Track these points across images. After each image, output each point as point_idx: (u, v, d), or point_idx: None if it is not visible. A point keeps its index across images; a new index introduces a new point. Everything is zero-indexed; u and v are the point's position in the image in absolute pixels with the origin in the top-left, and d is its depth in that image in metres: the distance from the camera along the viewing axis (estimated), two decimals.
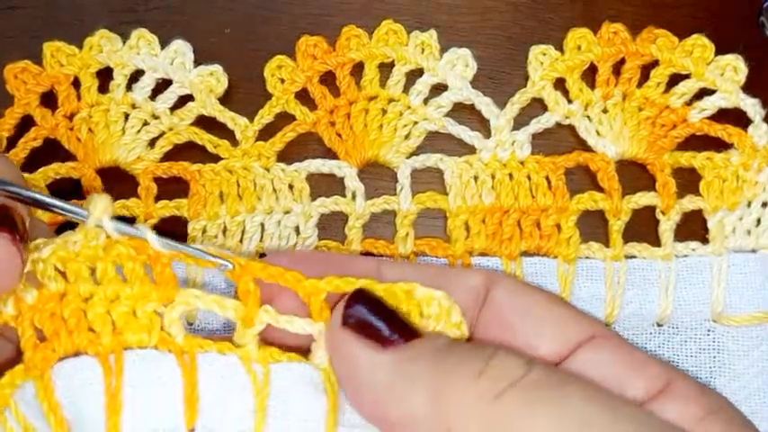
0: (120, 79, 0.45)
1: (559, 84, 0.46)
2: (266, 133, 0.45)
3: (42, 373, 0.33)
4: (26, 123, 0.45)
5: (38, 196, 0.34)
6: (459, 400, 0.32)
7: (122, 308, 0.34)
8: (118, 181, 0.45)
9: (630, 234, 0.45)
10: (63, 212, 0.35)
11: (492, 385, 0.31)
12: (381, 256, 0.44)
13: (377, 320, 0.35)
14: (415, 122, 0.46)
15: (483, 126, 0.46)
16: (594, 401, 0.31)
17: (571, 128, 0.46)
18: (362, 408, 0.35)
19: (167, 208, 0.44)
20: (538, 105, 0.46)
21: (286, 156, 0.45)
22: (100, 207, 0.35)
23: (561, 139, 0.46)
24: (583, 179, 0.46)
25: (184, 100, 0.45)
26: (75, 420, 0.33)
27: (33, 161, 0.44)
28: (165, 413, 0.34)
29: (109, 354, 0.33)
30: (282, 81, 0.46)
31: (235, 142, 0.45)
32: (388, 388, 0.34)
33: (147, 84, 0.45)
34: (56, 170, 0.44)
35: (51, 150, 0.45)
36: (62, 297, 0.34)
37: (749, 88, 0.45)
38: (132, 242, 0.35)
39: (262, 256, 0.40)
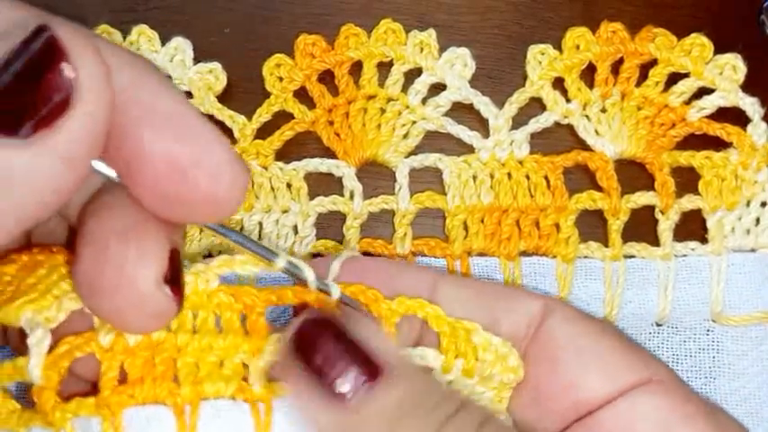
0: None
1: (558, 83, 0.46)
2: (264, 132, 0.45)
3: (115, 415, 0.31)
4: None
5: (239, 239, 0.33)
6: None
7: (211, 358, 0.33)
8: None
9: (629, 233, 0.45)
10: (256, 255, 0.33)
11: None
12: (380, 255, 0.44)
13: (333, 358, 0.30)
14: (414, 122, 0.46)
15: (482, 125, 0.46)
16: None
17: (570, 127, 0.46)
18: None
19: None
20: (536, 105, 0.46)
21: (284, 154, 0.45)
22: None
23: (560, 139, 0.46)
24: (581, 178, 0.46)
25: None
26: None
27: None
28: None
29: (185, 404, 0.32)
30: (281, 80, 0.46)
31: (233, 140, 0.45)
32: None
33: None
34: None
35: None
36: (158, 344, 0.32)
37: (748, 87, 0.45)
38: (231, 289, 0.33)
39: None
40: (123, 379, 0.32)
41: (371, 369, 0.30)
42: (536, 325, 0.36)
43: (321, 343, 0.30)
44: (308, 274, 0.33)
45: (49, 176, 0.25)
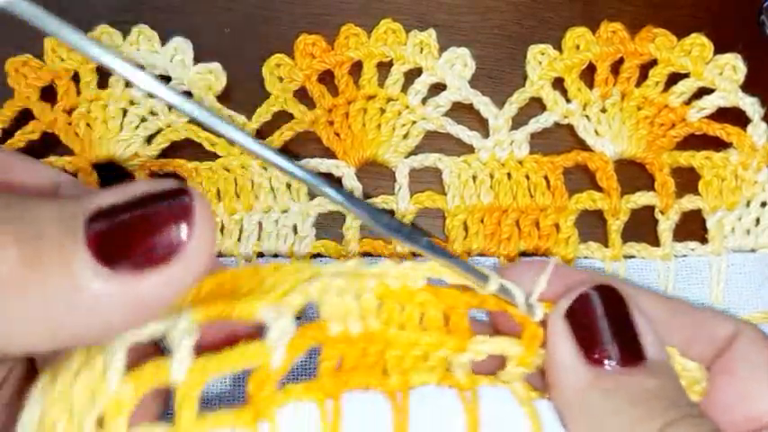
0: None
1: (558, 83, 0.46)
2: (264, 132, 0.45)
3: (335, 399, 0.33)
4: (26, 118, 0.45)
5: (455, 262, 0.34)
6: None
7: (416, 352, 0.35)
8: (114, 176, 0.44)
9: (629, 234, 0.45)
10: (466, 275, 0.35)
11: None
12: (379, 256, 0.44)
13: (604, 327, 0.34)
14: (414, 122, 0.46)
15: (481, 125, 0.46)
16: None
17: (570, 127, 0.46)
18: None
19: None
20: (536, 105, 0.46)
21: (284, 154, 0.45)
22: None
23: (560, 139, 0.46)
24: (581, 179, 0.46)
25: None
26: None
27: (31, 154, 0.44)
28: None
29: (396, 392, 0.34)
30: (281, 80, 0.46)
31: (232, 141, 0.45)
32: (565, 401, 0.34)
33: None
34: (52, 164, 0.44)
35: (49, 144, 0.45)
36: (373, 337, 0.34)
37: (748, 87, 0.45)
38: (434, 290, 0.35)
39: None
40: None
41: (634, 353, 0.33)
42: (724, 346, 0.36)
43: (598, 314, 0.34)
44: (519, 297, 0.35)
45: (114, 313, 0.26)
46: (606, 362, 0.33)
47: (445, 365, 0.35)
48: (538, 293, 0.36)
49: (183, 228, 0.26)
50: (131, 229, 0.26)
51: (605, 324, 0.34)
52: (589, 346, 0.33)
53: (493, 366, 0.36)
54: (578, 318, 0.34)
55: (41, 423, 0.28)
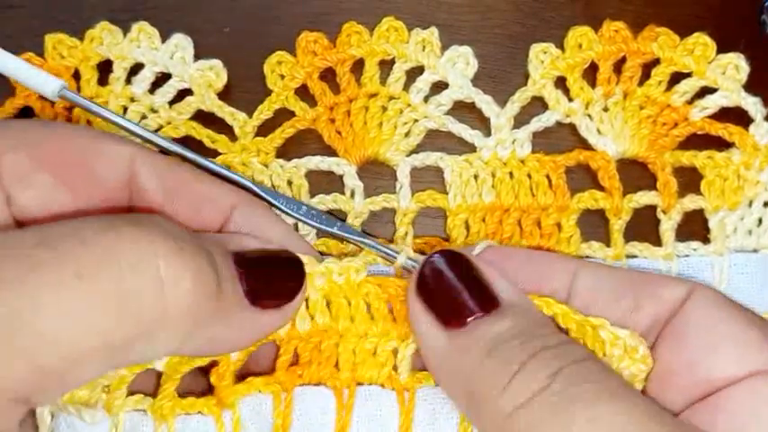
0: (119, 72, 0.45)
1: (560, 82, 0.46)
2: (265, 129, 0.45)
3: (287, 392, 0.37)
4: (27, 115, 0.45)
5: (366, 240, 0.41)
6: (484, 410, 0.33)
7: (367, 345, 0.38)
8: None
9: (631, 233, 0.45)
10: (379, 253, 0.41)
11: (509, 401, 0.31)
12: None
13: (453, 288, 0.36)
14: (416, 120, 0.46)
15: (483, 124, 0.46)
16: (599, 424, 0.30)
17: (572, 126, 0.46)
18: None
19: None
20: (538, 104, 0.46)
21: (285, 152, 0.45)
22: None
23: (562, 138, 0.46)
24: (583, 178, 0.45)
25: (183, 94, 0.45)
26: None
27: None
28: None
29: (344, 388, 0.38)
30: (282, 77, 0.46)
31: (233, 138, 0.45)
32: (437, 373, 0.36)
33: (146, 77, 0.45)
34: None
35: None
36: (324, 331, 0.38)
37: (751, 87, 0.45)
38: (376, 279, 0.39)
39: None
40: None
41: (488, 302, 0.35)
42: (677, 307, 0.36)
43: (447, 276, 0.36)
44: None
45: (247, 335, 0.36)
46: (466, 320, 0.34)
47: (393, 362, 0.38)
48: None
49: (297, 284, 0.37)
50: (272, 277, 0.36)
51: (452, 284, 0.36)
52: (443, 311, 0.35)
53: None
54: (428, 287, 0.36)
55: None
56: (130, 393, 0.37)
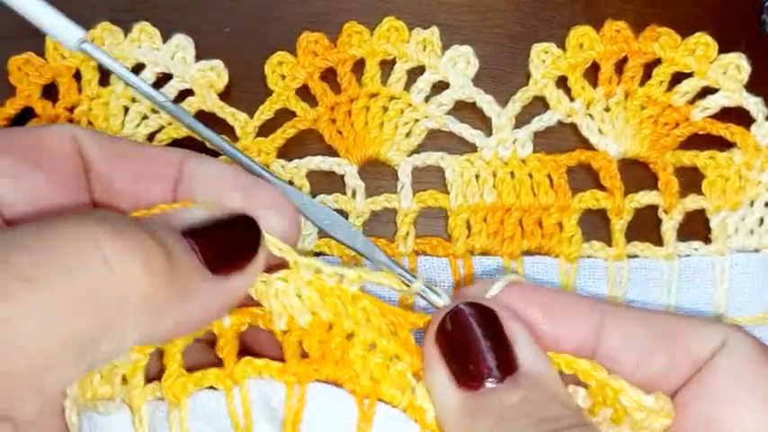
0: None
1: (561, 82, 0.46)
2: (266, 130, 0.45)
3: (302, 385, 0.35)
4: (28, 116, 0.45)
5: (384, 259, 0.38)
6: None
7: (378, 359, 0.35)
8: None
9: (633, 233, 0.45)
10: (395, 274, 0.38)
11: None
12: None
13: (474, 344, 0.34)
14: (417, 120, 0.46)
15: (484, 124, 0.46)
16: None
17: (573, 126, 0.46)
18: None
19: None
20: (540, 103, 0.46)
21: (286, 152, 0.45)
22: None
23: (563, 138, 0.46)
24: (585, 178, 0.45)
25: (184, 95, 0.45)
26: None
27: None
28: None
29: (365, 397, 0.35)
30: (283, 77, 0.45)
31: (234, 138, 0.45)
32: (448, 423, 0.34)
33: (147, 78, 0.45)
34: None
35: None
36: (329, 328, 0.36)
37: (752, 87, 0.45)
38: (376, 302, 0.37)
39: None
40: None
41: (506, 366, 0.33)
42: (711, 356, 0.35)
43: (471, 330, 0.34)
44: (440, 303, 0.37)
45: (213, 306, 0.35)
46: (482, 384, 0.33)
47: (409, 386, 0.35)
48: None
49: (254, 242, 0.35)
50: (226, 241, 0.35)
51: (476, 342, 0.34)
52: (459, 369, 0.34)
53: None
54: (449, 337, 0.34)
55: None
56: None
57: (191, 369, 0.35)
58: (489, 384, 0.33)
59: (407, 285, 0.38)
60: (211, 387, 0.35)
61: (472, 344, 0.34)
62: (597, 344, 0.36)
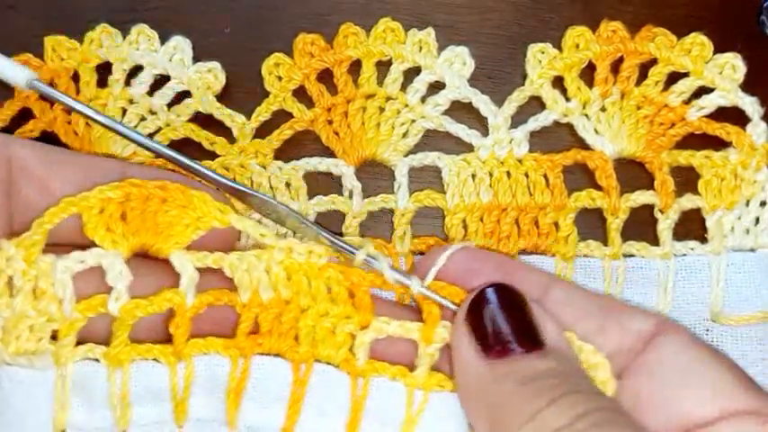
0: (118, 74, 0.45)
1: (558, 82, 0.46)
2: (263, 131, 0.46)
3: (245, 358, 0.38)
4: (26, 117, 0.45)
5: (325, 233, 0.39)
6: None
7: (326, 324, 0.38)
8: None
9: (629, 232, 0.45)
10: (339, 248, 0.39)
11: None
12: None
13: (501, 322, 0.36)
14: (413, 120, 0.46)
15: (481, 124, 0.46)
16: None
17: (569, 126, 0.46)
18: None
19: None
20: (536, 103, 0.46)
21: (283, 153, 0.45)
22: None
23: (559, 138, 0.46)
24: (581, 177, 0.46)
25: (182, 96, 0.46)
26: (247, 403, 0.38)
27: None
28: (330, 429, 0.38)
29: (301, 363, 0.38)
30: (280, 79, 0.46)
31: (232, 139, 0.45)
32: (467, 398, 0.36)
33: (145, 79, 0.45)
34: None
35: (49, 143, 0.44)
36: (287, 303, 0.39)
37: (748, 86, 0.45)
38: (339, 266, 0.39)
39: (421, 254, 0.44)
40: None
41: (533, 344, 0.35)
42: (645, 341, 0.36)
43: (499, 310, 0.36)
44: (385, 268, 0.38)
45: None
46: (509, 354, 0.35)
47: (350, 343, 0.38)
48: (434, 273, 0.39)
49: None
50: None
51: (501, 318, 0.36)
52: (488, 342, 0.35)
53: (406, 357, 0.38)
54: (477, 316, 0.36)
55: (6, 332, 0.37)
56: (80, 343, 0.38)
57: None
58: (518, 351, 0.35)
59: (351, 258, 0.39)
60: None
61: (500, 322, 0.36)
62: (545, 301, 0.38)
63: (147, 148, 0.41)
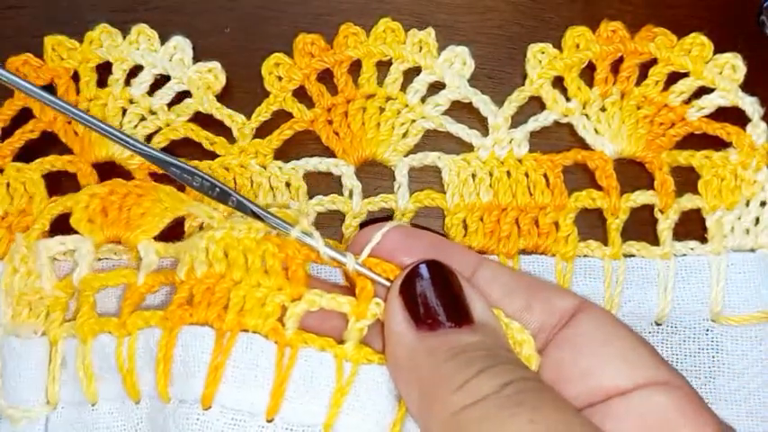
0: (118, 74, 0.46)
1: (558, 82, 0.46)
2: (263, 131, 0.46)
3: (173, 329, 0.38)
4: (26, 117, 0.45)
5: (255, 209, 0.40)
6: (434, 409, 0.34)
7: (258, 294, 0.39)
8: (114, 176, 0.44)
9: (629, 232, 0.45)
10: (274, 225, 0.40)
11: (460, 400, 0.33)
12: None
13: (432, 297, 0.37)
14: (413, 120, 0.46)
15: (481, 124, 0.46)
16: (539, 426, 0.31)
17: (569, 126, 0.46)
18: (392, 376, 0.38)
19: None
20: (536, 104, 0.46)
21: (283, 153, 0.46)
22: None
23: (559, 138, 0.46)
24: (581, 177, 0.46)
25: (182, 96, 0.46)
26: (177, 375, 0.39)
27: (30, 153, 0.45)
28: (252, 398, 0.38)
29: (227, 331, 0.38)
30: (280, 79, 0.46)
31: (232, 140, 0.45)
32: (398, 369, 0.37)
33: (145, 79, 0.46)
34: (52, 163, 0.45)
35: (49, 143, 0.45)
36: (220, 277, 0.39)
37: (748, 86, 0.45)
38: (276, 240, 0.40)
39: (362, 226, 0.44)
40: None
41: (463, 318, 0.36)
42: (566, 319, 0.38)
43: (431, 285, 0.37)
44: (320, 245, 0.39)
45: None
46: (439, 327, 0.36)
47: (278, 314, 0.38)
48: (368, 250, 0.39)
49: None
50: None
51: (433, 294, 0.37)
52: (419, 316, 0.36)
53: (339, 333, 0.39)
54: (410, 291, 0.37)
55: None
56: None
57: None
58: (448, 325, 0.36)
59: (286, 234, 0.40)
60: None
61: (432, 295, 0.37)
62: (475, 279, 0.39)
63: (119, 141, 0.40)
